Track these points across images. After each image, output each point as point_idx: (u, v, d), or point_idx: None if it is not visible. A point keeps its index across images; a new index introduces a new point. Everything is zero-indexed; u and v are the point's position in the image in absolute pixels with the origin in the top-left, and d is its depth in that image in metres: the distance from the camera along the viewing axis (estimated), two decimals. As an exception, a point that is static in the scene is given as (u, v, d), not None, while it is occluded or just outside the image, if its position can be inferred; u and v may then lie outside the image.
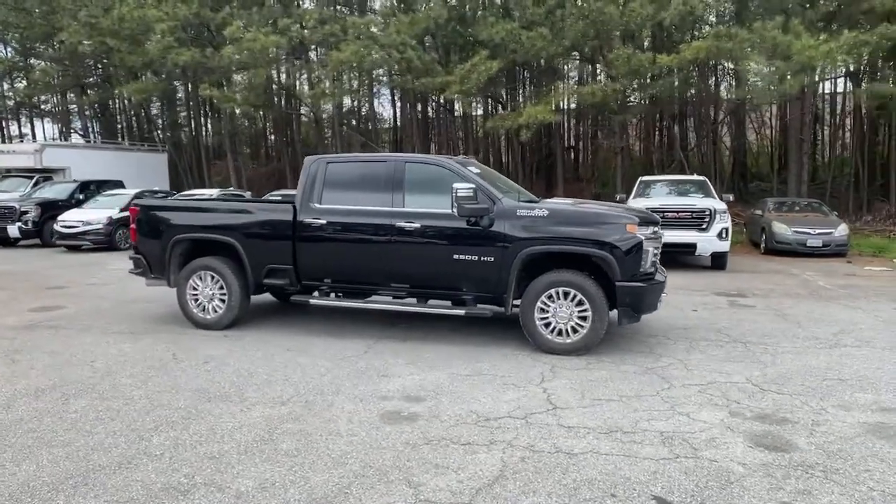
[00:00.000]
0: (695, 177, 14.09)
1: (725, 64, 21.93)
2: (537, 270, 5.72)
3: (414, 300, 6.25)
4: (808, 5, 14.59)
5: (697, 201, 11.54)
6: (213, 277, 6.53)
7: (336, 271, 6.29)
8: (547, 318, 5.63)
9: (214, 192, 16.83)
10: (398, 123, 31.05)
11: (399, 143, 30.49)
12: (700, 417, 4.10)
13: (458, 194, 5.52)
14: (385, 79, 21.11)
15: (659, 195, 12.68)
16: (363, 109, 29.08)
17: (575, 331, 5.58)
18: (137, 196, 16.82)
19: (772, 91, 14.10)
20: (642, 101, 19.68)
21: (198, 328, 6.57)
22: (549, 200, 6.52)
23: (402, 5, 18.81)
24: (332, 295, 6.48)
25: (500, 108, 21.88)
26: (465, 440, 3.71)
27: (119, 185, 19.39)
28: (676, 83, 17.30)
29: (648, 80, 17.37)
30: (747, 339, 6.25)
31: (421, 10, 18.83)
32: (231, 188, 19.05)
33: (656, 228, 5.82)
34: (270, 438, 3.73)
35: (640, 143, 26.22)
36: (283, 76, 25.17)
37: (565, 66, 19.62)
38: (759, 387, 4.73)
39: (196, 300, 6.61)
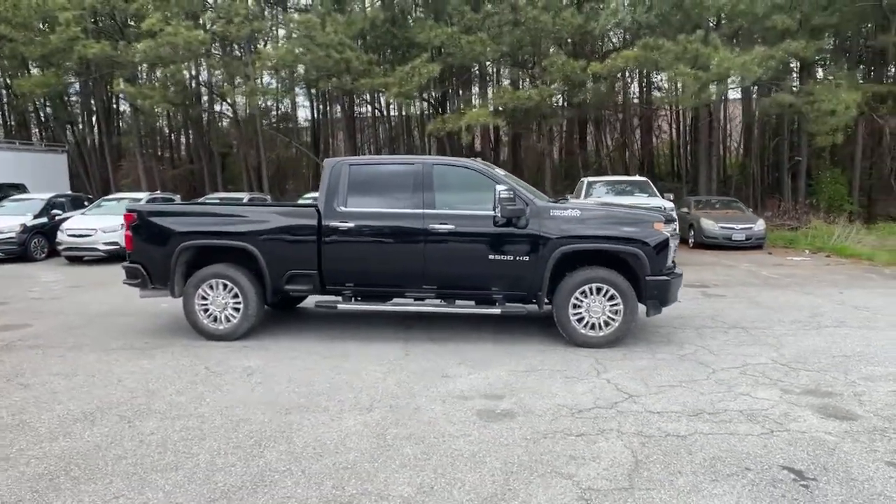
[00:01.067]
0: (637, 177, 15.09)
1: (635, 72, 23.71)
2: (566, 268, 5.98)
3: (439, 301, 6.28)
4: (719, 22, 16.14)
5: (647, 200, 12.41)
6: (225, 286, 6.18)
7: (364, 274, 6.18)
8: (580, 313, 5.90)
9: (142, 195, 15.61)
10: (317, 123, 30.37)
11: (319, 142, 29.83)
12: (760, 396, 4.53)
13: (501, 196, 5.67)
14: (309, 77, 20.41)
15: (602, 195, 13.46)
16: (279, 109, 28.09)
17: (607, 324, 5.89)
18: (51, 201, 15.33)
19: (694, 98, 15.48)
20: (571, 106, 20.78)
21: (209, 340, 6.18)
22: (576, 201, 6.80)
23: (336, 5, 18.45)
24: (353, 299, 6.36)
25: (435, 109, 22.07)
26: (577, 431, 3.87)
27: (21, 188, 17.49)
28: (605, 89, 18.41)
29: (572, 86, 18.38)
30: (741, 325, 6.90)
31: (355, 10, 18.61)
32: (158, 192, 17.67)
33: (675, 226, 6.28)
34: (388, 444, 3.67)
35: (560, 145, 27.58)
36: (200, 72, 23.82)
37: (499, 71, 20.21)
38: (787, 366, 5.28)
39: (206, 310, 6.22)
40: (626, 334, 5.96)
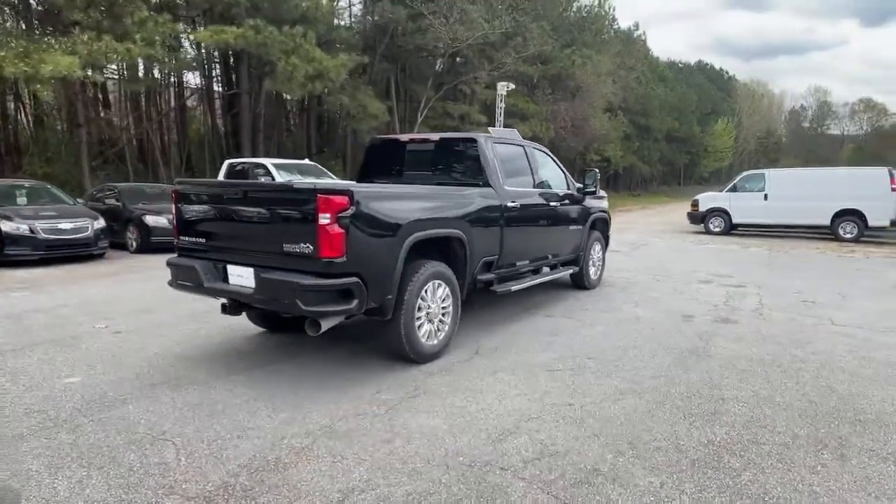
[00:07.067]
0: (306, 161, 15.23)
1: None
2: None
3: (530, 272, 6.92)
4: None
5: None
6: (441, 287, 4.89)
7: (517, 255, 6.15)
8: (590, 264, 8.03)
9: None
10: None
11: None
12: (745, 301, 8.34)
13: (598, 177, 7.13)
14: None
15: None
16: None
17: (597, 268, 8.27)
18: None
19: (301, 88, 16.65)
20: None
21: (421, 363, 4.74)
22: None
23: None
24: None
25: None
26: (746, 317, 6.65)
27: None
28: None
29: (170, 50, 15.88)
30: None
31: None
32: None
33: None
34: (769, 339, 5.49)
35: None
36: None
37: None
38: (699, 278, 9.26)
39: (420, 325, 4.73)
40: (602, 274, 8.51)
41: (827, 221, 15.37)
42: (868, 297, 7.67)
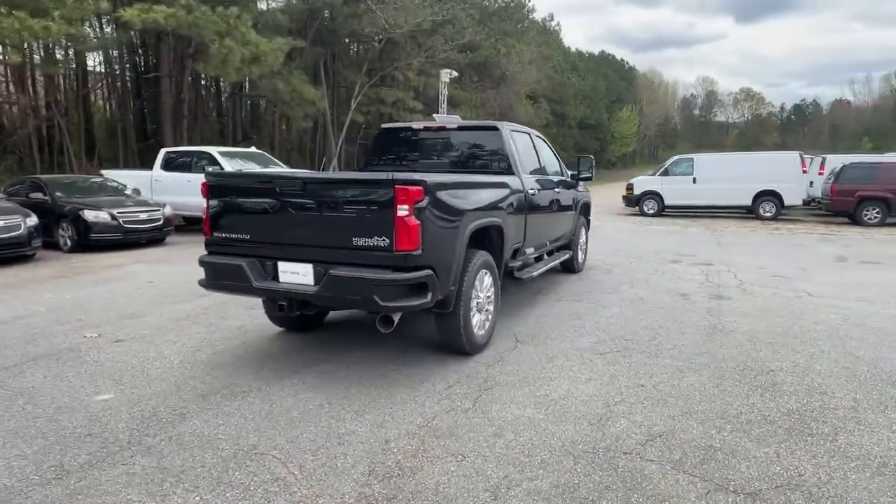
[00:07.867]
0: (252, 149, 14.31)
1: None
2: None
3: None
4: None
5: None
6: (487, 276, 4.86)
7: (532, 241, 6.17)
8: (579, 248, 8.26)
9: None
10: None
11: None
12: (731, 282, 8.83)
13: (593, 163, 7.29)
14: None
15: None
16: None
17: (583, 252, 8.51)
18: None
19: (236, 72, 15.61)
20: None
21: (472, 355, 4.71)
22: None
23: None
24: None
25: None
26: (730, 288, 7.16)
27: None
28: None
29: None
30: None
31: None
32: None
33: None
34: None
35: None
36: None
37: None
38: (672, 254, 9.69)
39: (472, 315, 4.68)
40: (585, 254, 8.79)
41: (749, 202, 16.75)
42: (823, 271, 8.46)
